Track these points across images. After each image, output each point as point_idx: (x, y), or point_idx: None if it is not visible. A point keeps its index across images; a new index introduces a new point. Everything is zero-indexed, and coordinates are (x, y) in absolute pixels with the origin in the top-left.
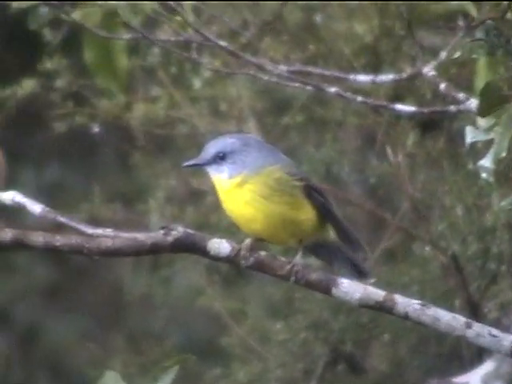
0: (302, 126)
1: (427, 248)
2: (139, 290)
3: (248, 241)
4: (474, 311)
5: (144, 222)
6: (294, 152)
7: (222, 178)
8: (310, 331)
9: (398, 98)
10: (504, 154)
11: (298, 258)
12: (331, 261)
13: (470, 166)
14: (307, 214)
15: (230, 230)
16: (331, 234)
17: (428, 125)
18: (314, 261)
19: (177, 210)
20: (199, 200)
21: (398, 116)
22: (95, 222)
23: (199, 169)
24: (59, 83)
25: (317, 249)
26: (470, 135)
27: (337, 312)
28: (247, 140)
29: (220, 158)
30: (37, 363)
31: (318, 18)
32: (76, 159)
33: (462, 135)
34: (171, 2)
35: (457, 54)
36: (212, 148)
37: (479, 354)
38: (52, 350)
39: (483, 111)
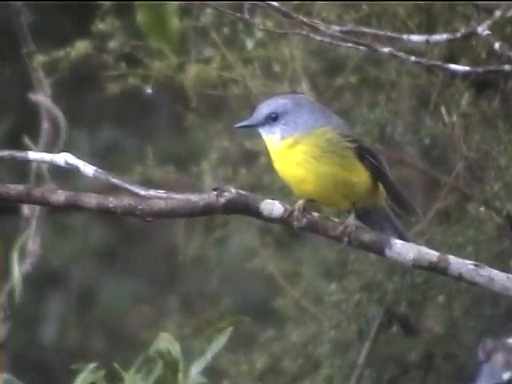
0: (355, 86)
1: (482, 208)
2: (193, 251)
3: (300, 202)
4: None
5: (197, 184)
6: (347, 113)
7: (273, 139)
8: (363, 292)
9: (452, 58)
10: None
11: (351, 219)
12: (378, 229)
13: None
14: (360, 176)
15: (283, 191)
16: (383, 200)
17: (482, 85)
18: None
19: (230, 172)
20: (252, 161)
21: (453, 76)
22: (148, 184)
23: (251, 130)
24: (112, 45)
25: (365, 216)
26: None
27: (390, 273)
28: (299, 101)
29: (272, 118)
30: (92, 325)
31: None
32: (129, 121)
33: None
34: None
35: (511, 13)
36: (264, 109)
37: None
38: (107, 312)
39: None
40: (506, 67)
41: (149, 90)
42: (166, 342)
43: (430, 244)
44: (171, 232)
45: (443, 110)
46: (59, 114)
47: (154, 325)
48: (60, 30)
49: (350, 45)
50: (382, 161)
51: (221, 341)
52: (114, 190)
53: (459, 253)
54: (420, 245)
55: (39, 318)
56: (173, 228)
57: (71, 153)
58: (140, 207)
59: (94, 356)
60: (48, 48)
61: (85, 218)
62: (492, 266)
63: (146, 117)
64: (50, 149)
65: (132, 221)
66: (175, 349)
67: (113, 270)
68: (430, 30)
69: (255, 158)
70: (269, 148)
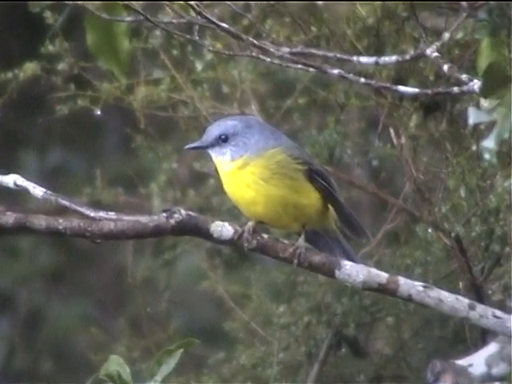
0: (304, 108)
1: (430, 230)
2: (142, 273)
3: (250, 224)
4: (478, 293)
5: (146, 206)
6: (296, 135)
7: (223, 161)
8: (312, 314)
9: (401, 79)
10: (507, 135)
11: (301, 241)
12: (328, 251)
13: (473, 148)
14: (310, 199)
15: (233, 213)
16: (332, 222)
17: (430, 106)
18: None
19: (179, 194)
20: (201, 183)
21: (401, 98)
22: (97, 206)
23: (201, 151)
24: (61, 66)
25: (315, 238)
26: (473, 116)
27: (339, 295)
28: (250, 122)
29: (222, 140)
30: (40, 347)
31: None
32: (78, 143)
33: (464, 117)
34: None
35: (459, 35)
36: (214, 130)
37: (482, 336)
38: (55, 335)
39: (486, 92)
40: (455, 89)
41: (98, 112)
42: (116, 364)
43: (378, 265)
44: (120, 254)
45: (392, 131)
46: None
47: (103, 347)
48: (8, 52)
49: (299, 66)
50: (332, 183)
51: (171, 363)
52: (62, 212)
53: (408, 274)
54: (369, 266)
55: None
56: (121, 250)
57: (19, 174)
58: (89, 229)
59: (43, 379)
60: None
61: (32, 240)
62: (441, 288)
63: (95, 138)
64: None
65: (81, 242)
66: (125, 371)
67: (61, 292)
68: (379, 51)
69: (204, 180)
70: (219, 169)
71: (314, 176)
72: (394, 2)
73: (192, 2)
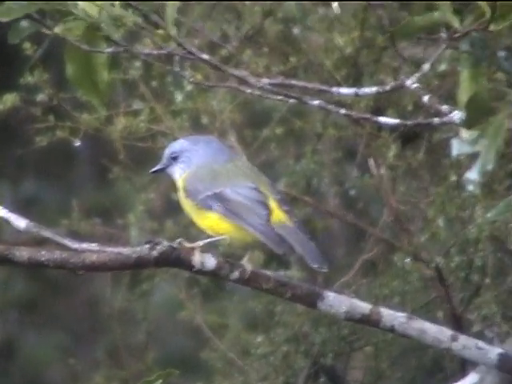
0: (281, 138)
1: (408, 259)
2: (119, 304)
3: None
4: (458, 323)
5: (124, 237)
6: (273, 165)
7: (175, 178)
8: (291, 344)
9: (379, 109)
10: (490, 167)
11: (245, 261)
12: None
13: (453, 178)
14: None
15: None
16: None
17: (409, 136)
18: (297, 273)
19: (156, 224)
20: (178, 213)
21: (379, 128)
22: (74, 236)
23: (163, 173)
24: (40, 97)
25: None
26: (456, 148)
27: (318, 325)
28: (197, 140)
29: (173, 158)
30: (15, 379)
31: (297, 30)
32: (53, 174)
33: (443, 146)
34: (153, 16)
35: (442, 67)
36: (167, 150)
37: (462, 367)
38: (30, 366)
39: (469, 123)
40: (435, 120)
41: (78, 143)
42: None
43: (356, 295)
44: (96, 284)
45: (371, 161)
46: None
47: (79, 379)
48: None
49: (279, 97)
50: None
51: None
52: (39, 243)
53: (386, 304)
54: (352, 297)
55: None
56: (97, 280)
57: None
58: (72, 261)
59: None
60: None
61: (6, 270)
62: (420, 317)
63: (69, 169)
64: None
65: (55, 272)
66: None
67: (36, 323)
68: (357, 81)
69: (181, 210)
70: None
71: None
72: (371, 33)
73: (172, 34)
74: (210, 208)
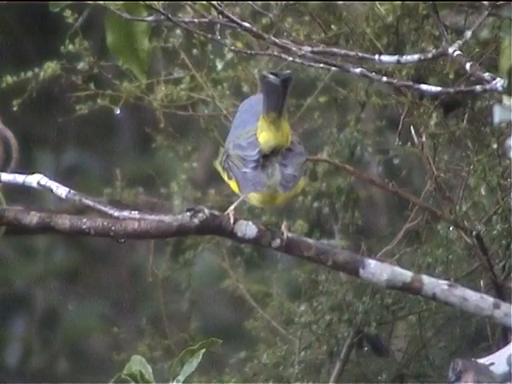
0: (324, 107)
1: (451, 228)
2: (162, 273)
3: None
4: (499, 292)
5: (166, 206)
6: (317, 133)
7: None
8: (334, 313)
9: (421, 78)
10: None
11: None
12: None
13: (494, 146)
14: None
15: (253, 212)
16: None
17: (451, 105)
18: (339, 241)
19: (199, 193)
20: (221, 182)
21: (421, 96)
22: (117, 206)
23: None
24: (81, 65)
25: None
26: (499, 114)
27: (361, 294)
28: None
29: None
30: (57, 348)
31: None
32: (95, 143)
33: (485, 115)
34: None
35: (484, 34)
36: None
37: (504, 335)
38: (73, 335)
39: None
40: (478, 88)
41: (118, 111)
42: (139, 364)
43: (400, 264)
44: (137, 253)
45: (412, 130)
46: (10, 135)
47: (122, 347)
48: (28, 52)
49: (321, 65)
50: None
51: (193, 363)
52: (81, 212)
53: (429, 272)
54: (394, 265)
55: (2, 342)
56: (139, 249)
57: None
58: (113, 228)
59: (61, 379)
60: (14, 70)
61: (48, 239)
62: (463, 286)
63: (111, 138)
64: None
65: (98, 241)
66: (148, 371)
67: (79, 292)
68: (399, 50)
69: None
70: None
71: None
72: (413, 1)
73: (214, 2)
74: (225, 168)
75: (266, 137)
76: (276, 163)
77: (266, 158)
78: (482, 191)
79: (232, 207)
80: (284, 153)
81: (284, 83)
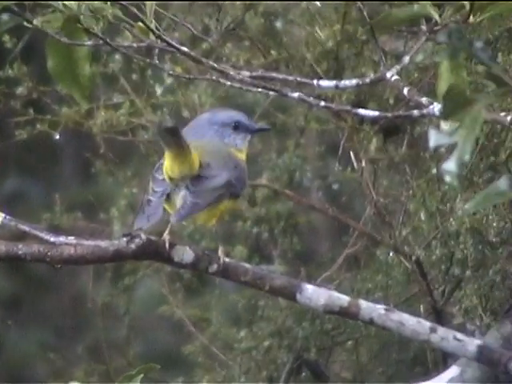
0: (264, 132)
1: (391, 253)
2: (101, 299)
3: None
4: (439, 317)
5: (106, 231)
6: (256, 158)
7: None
8: (274, 338)
9: (360, 102)
10: (467, 157)
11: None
12: None
13: (433, 171)
14: None
15: (192, 237)
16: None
17: (390, 130)
18: (278, 267)
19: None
20: None
21: (361, 121)
22: (56, 231)
23: None
24: (19, 90)
25: None
26: (434, 139)
27: (300, 319)
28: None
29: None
30: None
31: (278, 24)
32: (36, 168)
33: (424, 140)
34: (133, 8)
35: (419, 58)
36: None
37: (443, 360)
38: (13, 362)
39: (447, 114)
40: (415, 112)
41: (57, 136)
42: None
43: (339, 289)
44: (78, 280)
45: (352, 155)
46: None
47: (62, 374)
48: None
49: (259, 90)
50: None
51: None
52: (19, 238)
53: (368, 298)
54: (331, 290)
55: None
56: (80, 275)
57: None
58: (49, 254)
59: None
60: None
61: None
62: (402, 311)
63: (51, 164)
64: None
65: (38, 268)
66: None
67: (18, 319)
68: (338, 75)
69: None
70: None
71: None
72: (352, 26)
73: (151, 27)
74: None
75: (168, 166)
76: (182, 190)
77: (176, 186)
78: (422, 216)
79: (167, 232)
80: (193, 180)
81: (171, 130)
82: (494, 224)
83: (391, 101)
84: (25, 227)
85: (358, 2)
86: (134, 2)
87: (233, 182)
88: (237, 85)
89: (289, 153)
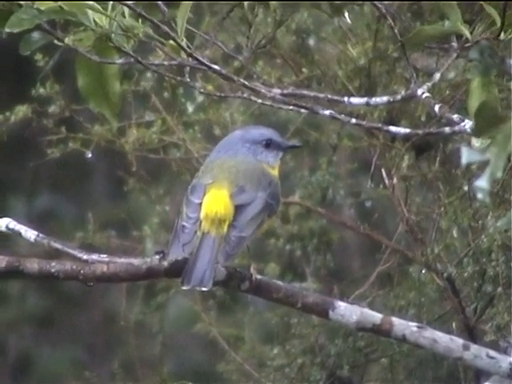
0: (296, 149)
1: (423, 271)
2: (134, 317)
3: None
4: (471, 334)
5: (139, 249)
6: (289, 176)
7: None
8: (306, 356)
9: (392, 120)
10: (499, 175)
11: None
12: None
13: (465, 188)
14: None
15: None
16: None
17: (422, 147)
18: (311, 284)
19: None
20: None
21: (393, 138)
22: (89, 249)
23: None
24: (52, 108)
25: None
26: (466, 156)
27: (333, 336)
28: None
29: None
30: None
31: (311, 41)
32: (68, 186)
33: (456, 157)
34: (164, 27)
35: (451, 75)
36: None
37: (476, 377)
38: (46, 380)
39: (478, 131)
40: (446, 129)
41: (89, 155)
42: None
43: (372, 307)
44: (110, 297)
45: (384, 172)
46: None
47: None
48: None
49: (290, 107)
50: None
51: None
52: (52, 256)
53: (402, 315)
54: (363, 307)
55: None
56: (111, 293)
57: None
58: (82, 271)
59: None
60: None
61: (21, 284)
62: (435, 329)
63: (84, 182)
64: None
65: (71, 286)
66: None
67: (52, 337)
68: (370, 92)
69: None
70: None
71: None
72: (384, 44)
73: (183, 45)
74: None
75: (207, 208)
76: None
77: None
78: (454, 233)
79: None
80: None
81: None
82: None
83: (423, 118)
84: (57, 245)
85: (390, 19)
86: (166, 20)
87: (269, 201)
88: (268, 102)
89: (321, 170)
